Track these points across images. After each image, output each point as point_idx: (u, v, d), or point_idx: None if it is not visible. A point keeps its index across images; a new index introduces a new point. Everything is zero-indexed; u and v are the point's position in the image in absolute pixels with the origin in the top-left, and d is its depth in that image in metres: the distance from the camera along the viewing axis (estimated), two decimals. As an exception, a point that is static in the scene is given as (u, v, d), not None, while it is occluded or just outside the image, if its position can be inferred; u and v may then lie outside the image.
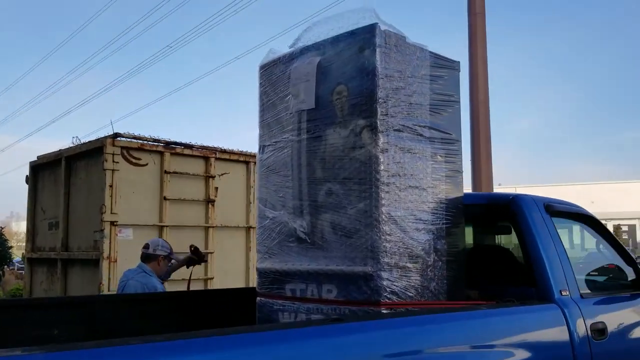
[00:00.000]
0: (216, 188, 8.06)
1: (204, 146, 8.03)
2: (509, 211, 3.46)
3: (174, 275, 7.46)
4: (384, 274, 2.96)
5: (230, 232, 8.26)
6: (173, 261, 5.31)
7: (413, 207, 3.16)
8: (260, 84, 3.75)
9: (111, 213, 6.96)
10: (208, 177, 7.99)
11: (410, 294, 3.07)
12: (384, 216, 2.99)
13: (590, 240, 3.98)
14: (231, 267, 8.19)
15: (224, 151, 8.23)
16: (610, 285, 3.86)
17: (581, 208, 3.84)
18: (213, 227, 7.96)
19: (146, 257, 4.98)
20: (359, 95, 3.12)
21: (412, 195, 3.17)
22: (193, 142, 7.94)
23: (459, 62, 3.60)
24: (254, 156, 8.57)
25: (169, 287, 7.37)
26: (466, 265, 3.41)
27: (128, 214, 7.14)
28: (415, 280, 3.11)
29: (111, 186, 6.99)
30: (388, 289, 2.97)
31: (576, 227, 4.01)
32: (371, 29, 3.11)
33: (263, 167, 3.66)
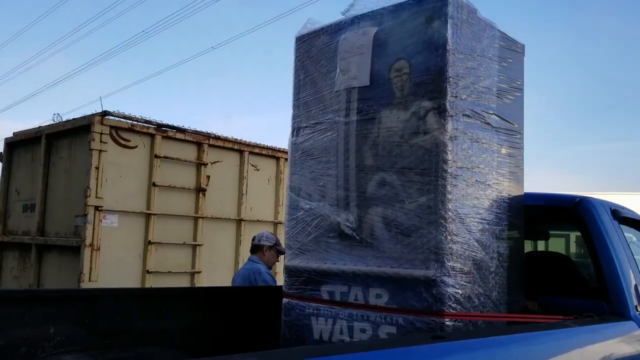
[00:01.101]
0: (208, 177, 7.56)
1: (197, 131, 7.52)
2: (574, 215, 3.10)
3: (159, 267, 6.97)
4: (449, 280, 2.56)
5: (220, 224, 7.76)
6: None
7: (479, 205, 2.77)
8: (297, 57, 3.30)
9: (96, 197, 6.39)
10: (200, 165, 7.47)
11: (474, 304, 2.67)
12: (450, 213, 2.59)
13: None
14: (220, 261, 7.69)
15: (218, 138, 7.72)
16: None
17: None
18: (203, 217, 7.45)
19: (253, 248, 5.34)
20: (424, 72, 2.71)
21: (478, 192, 2.77)
22: (186, 126, 7.41)
23: (524, 45, 3.22)
24: (249, 145, 8.09)
25: (153, 278, 6.87)
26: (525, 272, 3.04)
27: (114, 199, 6.59)
28: (479, 288, 2.72)
29: (97, 168, 6.43)
30: (453, 298, 2.56)
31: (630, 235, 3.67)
32: (443, -2, 2.70)
33: (297, 152, 3.21)
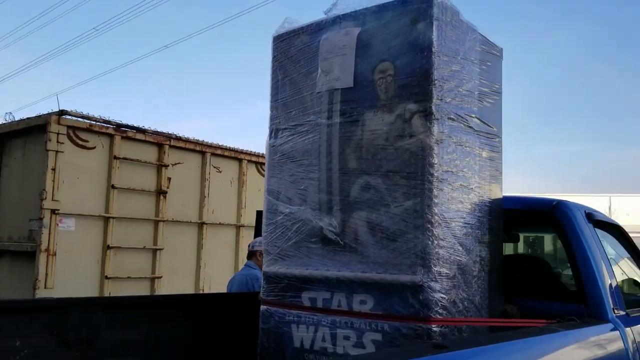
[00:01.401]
0: (169, 178, 7.37)
1: (157, 132, 7.31)
2: (552, 218, 3.12)
3: (118, 273, 6.74)
4: (436, 285, 2.52)
5: (181, 227, 7.57)
6: None
7: (462, 209, 2.75)
8: (275, 57, 3.22)
9: (52, 200, 6.13)
10: (161, 166, 7.28)
11: (458, 309, 2.65)
12: (437, 217, 2.56)
13: (615, 251, 3.72)
14: (181, 266, 7.51)
15: (179, 139, 7.54)
16: (636, 301, 3.61)
17: (610, 218, 3.57)
18: (163, 221, 7.26)
19: (248, 254, 5.41)
20: (409, 74, 2.67)
21: (462, 195, 2.75)
22: (146, 127, 7.20)
23: (502, 48, 3.23)
24: (211, 146, 7.93)
25: (112, 284, 6.64)
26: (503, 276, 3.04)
27: (71, 202, 6.34)
28: (463, 292, 2.69)
29: (54, 170, 6.17)
30: (439, 303, 2.53)
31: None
32: (428, -1, 2.67)
33: (276, 154, 3.13)
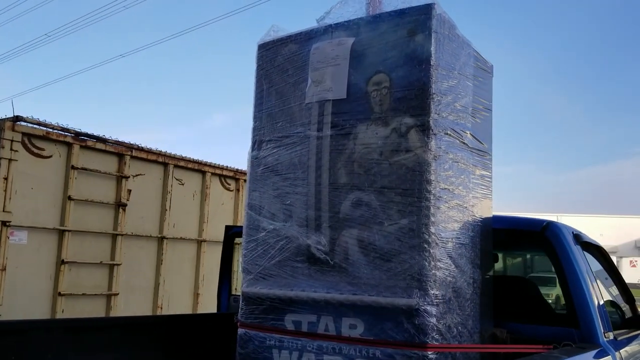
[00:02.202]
0: (129, 190, 7.05)
1: (118, 141, 7.00)
2: (542, 239, 3.04)
3: (72, 289, 6.37)
4: (433, 309, 2.39)
5: (140, 242, 7.24)
6: None
7: (457, 229, 2.64)
8: (260, 65, 3.06)
9: (3, 211, 5.74)
10: (121, 177, 6.95)
11: (453, 334, 2.52)
12: (434, 237, 2.44)
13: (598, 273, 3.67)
14: (139, 283, 7.16)
15: (141, 149, 7.24)
16: (616, 323, 3.57)
17: (592, 239, 3.54)
18: (122, 235, 6.92)
19: None
20: (406, 87, 2.56)
21: (457, 214, 2.64)
22: (106, 136, 6.88)
23: (492, 65, 3.16)
24: (174, 157, 7.65)
25: (65, 301, 6.27)
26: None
27: (24, 214, 5.96)
28: (457, 317, 2.57)
29: (6, 179, 5.79)
30: (435, 328, 2.40)
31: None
32: (427, 10, 2.57)
33: (259, 167, 2.96)
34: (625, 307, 3.71)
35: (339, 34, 2.79)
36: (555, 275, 3.04)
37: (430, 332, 2.37)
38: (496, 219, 3.07)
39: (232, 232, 5.00)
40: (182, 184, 7.83)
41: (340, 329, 2.56)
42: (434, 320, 2.39)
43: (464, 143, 2.74)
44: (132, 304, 6.99)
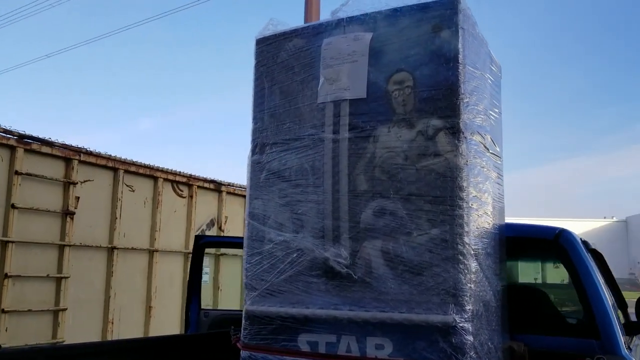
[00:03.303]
0: (77, 198, 6.54)
1: (66, 145, 6.48)
2: (556, 247, 2.94)
3: (16, 305, 5.83)
4: (470, 326, 2.22)
5: (89, 252, 6.73)
6: None
7: (485, 238, 2.48)
8: (259, 62, 2.81)
9: (-62, 222, 5.15)
10: (68, 184, 6.44)
11: (484, 350, 2.35)
12: (468, 247, 2.26)
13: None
14: (88, 296, 6.65)
15: (90, 153, 6.74)
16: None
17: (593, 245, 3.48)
18: (70, 245, 6.40)
19: None
20: (432, 87, 2.38)
21: (485, 223, 2.49)
22: (53, 139, 6.35)
23: (500, 65, 3.05)
24: (124, 162, 7.18)
25: (9, 318, 5.73)
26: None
27: (-39, 224, 5.38)
28: (486, 332, 2.41)
29: (-59, 185, 5.21)
30: (473, 347, 2.22)
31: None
32: (452, 4, 2.41)
33: (261, 172, 2.70)
34: (619, 312, 3.69)
35: (353, 29, 2.58)
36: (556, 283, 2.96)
37: (469, 350, 2.20)
38: (507, 227, 2.94)
39: (202, 242, 4.67)
40: (133, 191, 7.37)
41: (365, 350, 2.34)
42: (471, 338, 2.21)
43: (486, 147, 2.59)
44: (81, 319, 6.49)
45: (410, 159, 2.37)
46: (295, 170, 2.59)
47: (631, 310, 3.60)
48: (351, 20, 2.59)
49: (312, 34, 2.67)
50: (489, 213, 2.56)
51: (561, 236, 2.95)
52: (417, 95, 2.40)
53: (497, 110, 2.87)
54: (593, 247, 3.34)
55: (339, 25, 2.61)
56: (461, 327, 2.20)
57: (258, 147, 2.74)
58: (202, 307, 4.78)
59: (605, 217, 68.83)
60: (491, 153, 2.67)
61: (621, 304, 3.67)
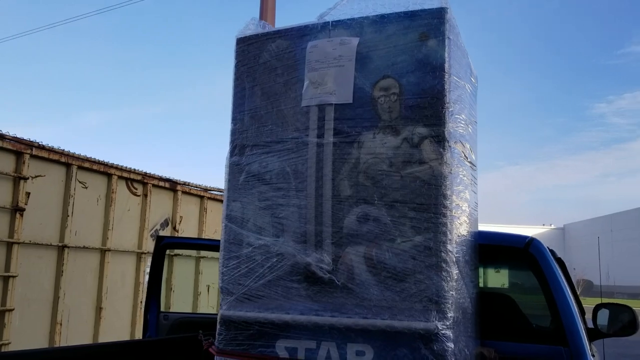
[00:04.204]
0: (28, 194, 6.27)
1: (17, 138, 6.20)
2: (526, 255, 3.01)
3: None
4: (450, 333, 2.23)
5: (39, 251, 6.46)
6: None
7: (464, 246, 2.51)
8: (240, 61, 2.76)
9: None
10: (19, 179, 6.16)
11: (461, 358, 2.38)
12: (451, 255, 2.28)
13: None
14: (37, 296, 6.39)
15: (42, 147, 6.47)
16: None
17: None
18: (19, 243, 6.13)
19: None
20: (419, 95, 2.40)
21: (464, 231, 2.52)
22: (4, 132, 6.07)
23: (477, 75, 3.10)
24: (78, 158, 6.94)
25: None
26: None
27: None
28: (464, 339, 2.44)
29: None
30: (453, 353, 2.24)
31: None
32: (440, 14, 2.43)
33: (240, 174, 2.66)
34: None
35: (339, 33, 2.57)
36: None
37: (450, 357, 2.21)
38: (479, 235, 2.99)
39: (163, 243, 4.56)
40: (86, 187, 7.13)
41: (345, 356, 2.33)
42: (452, 345, 2.23)
43: (465, 156, 2.63)
44: (28, 320, 6.22)
45: (395, 165, 2.37)
46: (277, 174, 2.56)
47: (587, 316, 3.73)
48: (337, 24, 2.58)
49: (297, 36, 2.64)
50: (468, 221, 2.59)
51: (531, 245, 3.02)
52: (403, 102, 2.41)
53: (474, 120, 2.91)
54: (558, 255, 3.44)
55: (324, 28, 2.60)
56: (443, 334, 2.21)
57: (237, 148, 2.69)
58: (162, 310, 4.66)
59: (544, 224, 71.57)
60: (469, 162, 2.71)
61: (580, 311, 3.79)
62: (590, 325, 3.75)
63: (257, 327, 2.47)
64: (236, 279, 2.56)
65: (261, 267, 2.51)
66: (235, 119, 2.72)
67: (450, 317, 2.24)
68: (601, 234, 53.44)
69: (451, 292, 2.26)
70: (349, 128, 2.46)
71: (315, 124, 2.51)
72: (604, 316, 3.81)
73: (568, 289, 2.97)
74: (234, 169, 2.68)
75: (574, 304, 2.96)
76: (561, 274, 3.02)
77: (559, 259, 3.32)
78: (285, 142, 2.55)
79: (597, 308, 3.75)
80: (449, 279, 2.25)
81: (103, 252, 7.30)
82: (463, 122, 2.61)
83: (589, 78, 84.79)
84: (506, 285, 3.79)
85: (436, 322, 2.22)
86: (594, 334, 3.58)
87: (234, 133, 2.71)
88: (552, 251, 3.16)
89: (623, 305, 3.70)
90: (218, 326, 2.59)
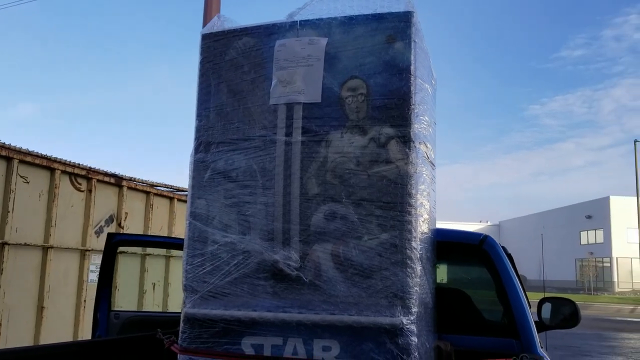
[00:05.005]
0: (-36, 188, 5.99)
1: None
2: (481, 252, 3.13)
3: None
4: (415, 328, 2.31)
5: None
6: None
7: (427, 242, 2.60)
8: (205, 58, 2.75)
9: None
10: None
11: (424, 352, 2.46)
12: (416, 252, 2.35)
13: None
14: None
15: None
16: None
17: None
18: (-46, 240, 5.85)
19: None
20: (386, 96, 2.46)
21: (426, 228, 2.60)
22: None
23: (436, 78, 3.19)
24: (19, 151, 6.68)
25: None
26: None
27: None
28: (425, 333, 2.52)
29: None
30: (417, 347, 2.31)
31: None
32: (407, 17, 2.50)
33: (205, 171, 2.64)
34: None
35: (307, 32, 2.59)
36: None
37: (413, 351, 2.28)
38: (436, 232, 3.09)
39: (115, 241, 4.46)
40: (28, 182, 6.87)
41: (312, 352, 2.36)
42: (416, 339, 2.30)
43: (427, 156, 2.71)
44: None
45: (362, 164, 2.42)
46: (243, 171, 2.56)
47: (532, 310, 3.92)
48: (305, 23, 2.60)
49: (264, 34, 2.65)
50: (429, 219, 2.68)
51: (485, 242, 3.15)
52: (370, 103, 2.46)
53: (434, 122, 3.00)
54: (509, 252, 3.59)
55: (292, 27, 2.62)
56: (407, 328, 2.28)
57: (202, 145, 2.67)
58: (112, 309, 4.56)
59: (480, 221, 74.00)
60: (430, 162, 2.80)
61: (528, 304, 3.97)
62: (535, 318, 3.93)
63: (222, 324, 2.47)
64: (201, 277, 2.55)
65: (227, 264, 2.51)
66: (200, 116, 2.70)
67: (414, 312, 2.31)
68: (533, 231, 55.69)
69: (415, 288, 2.33)
70: (317, 127, 2.49)
71: (283, 122, 2.52)
72: (547, 309, 4.00)
73: (519, 284, 3.11)
74: (199, 166, 2.66)
75: (525, 298, 3.10)
76: (513, 269, 3.16)
77: (510, 255, 3.47)
78: (252, 139, 2.56)
79: (542, 302, 3.93)
80: (413, 275, 2.32)
81: (45, 249, 7.06)
82: (426, 123, 2.69)
83: (527, 80, 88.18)
84: (460, 281, 3.92)
85: (401, 317, 2.28)
86: (539, 326, 3.75)
87: (199, 130, 2.69)
88: (503, 248, 3.30)
89: (565, 298, 3.90)
90: (182, 324, 2.56)
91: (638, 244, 40.64)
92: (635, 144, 40.63)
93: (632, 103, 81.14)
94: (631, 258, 46.42)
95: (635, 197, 40.80)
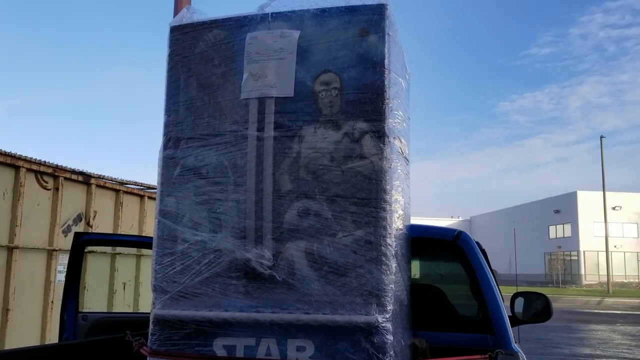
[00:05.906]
0: None
1: None
2: (455, 247, 3.12)
3: None
4: (390, 326, 2.27)
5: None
6: None
7: (401, 239, 2.56)
8: (174, 50, 2.67)
9: None
10: None
11: (400, 349, 2.43)
12: (390, 249, 2.32)
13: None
14: None
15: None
16: None
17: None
18: None
19: None
20: (359, 90, 2.41)
21: (401, 224, 2.57)
22: None
23: (410, 73, 3.16)
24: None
25: None
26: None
27: None
28: (400, 330, 2.49)
29: None
30: (392, 345, 2.28)
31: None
32: (380, 10, 2.45)
33: (174, 168, 2.56)
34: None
35: (279, 25, 2.53)
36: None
37: (389, 350, 2.25)
38: (411, 228, 3.06)
39: (82, 240, 4.33)
40: (-9, 181, 6.66)
41: (285, 352, 2.31)
42: (391, 337, 2.26)
43: (401, 151, 2.68)
44: None
45: (336, 160, 2.37)
46: (214, 167, 2.49)
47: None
48: (277, 16, 2.54)
49: (235, 27, 2.58)
50: (404, 215, 2.64)
51: (459, 238, 3.13)
52: (343, 97, 2.41)
53: (408, 117, 2.97)
54: (483, 247, 3.59)
55: (264, 20, 2.55)
56: (383, 326, 2.24)
57: (171, 141, 2.59)
58: (80, 310, 4.43)
59: (452, 217, 74.83)
60: (404, 157, 2.76)
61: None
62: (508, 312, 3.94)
63: (193, 325, 2.40)
64: (171, 277, 2.47)
65: (198, 263, 2.43)
66: (169, 111, 2.62)
67: (390, 309, 2.27)
68: (504, 226, 56.52)
69: (390, 286, 2.29)
70: (290, 122, 2.43)
71: (255, 117, 2.46)
72: (520, 304, 4.01)
73: (493, 280, 3.10)
74: (168, 162, 2.58)
75: (499, 293, 3.09)
76: (487, 265, 3.15)
77: (484, 250, 3.46)
78: (223, 135, 2.49)
79: (515, 296, 3.94)
80: (388, 272, 2.28)
81: (10, 249, 6.85)
82: (400, 118, 2.65)
83: (497, 77, 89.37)
84: (435, 277, 3.91)
85: (376, 315, 2.24)
86: (512, 321, 3.76)
87: (167, 125, 2.61)
88: (477, 243, 3.29)
89: (538, 293, 3.92)
90: (151, 326, 2.48)
91: (604, 238, 41.57)
92: (601, 140, 41.54)
93: (597, 100, 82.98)
94: (598, 251, 47.48)
95: (602, 192, 41.68)
